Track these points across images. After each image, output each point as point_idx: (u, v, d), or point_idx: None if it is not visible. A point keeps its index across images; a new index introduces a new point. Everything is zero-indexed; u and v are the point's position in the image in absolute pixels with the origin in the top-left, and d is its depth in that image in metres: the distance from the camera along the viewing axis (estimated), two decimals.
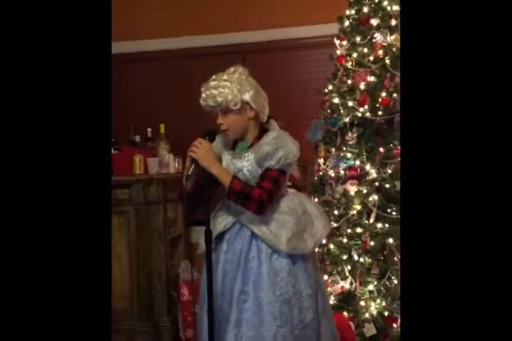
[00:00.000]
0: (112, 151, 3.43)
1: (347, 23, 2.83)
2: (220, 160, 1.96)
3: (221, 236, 1.95)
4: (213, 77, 1.95)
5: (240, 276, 1.87)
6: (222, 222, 1.95)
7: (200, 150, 1.87)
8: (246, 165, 1.92)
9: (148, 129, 3.56)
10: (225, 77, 1.92)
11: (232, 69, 1.98)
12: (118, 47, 4.21)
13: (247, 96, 1.90)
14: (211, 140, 1.92)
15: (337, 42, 2.85)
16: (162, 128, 3.42)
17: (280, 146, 1.87)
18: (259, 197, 1.83)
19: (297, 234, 1.86)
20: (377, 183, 2.52)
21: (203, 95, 1.91)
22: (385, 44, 2.65)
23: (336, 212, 2.60)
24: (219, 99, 1.89)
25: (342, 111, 2.70)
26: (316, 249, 2.63)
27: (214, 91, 1.89)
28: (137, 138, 3.55)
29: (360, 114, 2.63)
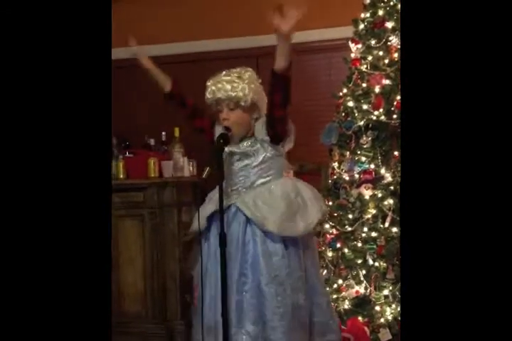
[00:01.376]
0: (127, 154, 3.45)
1: (362, 26, 2.82)
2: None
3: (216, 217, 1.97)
4: (224, 72, 1.97)
5: (238, 259, 1.91)
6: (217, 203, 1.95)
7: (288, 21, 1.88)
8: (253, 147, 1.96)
9: (163, 133, 3.58)
10: (238, 74, 1.95)
11: (242, 68, 1.99)
12: (131, 51, 4.24)
13: (256, 97, 1.93)
14: (225, 143, 1.93)
15: (352, 45, 2.84)
16: (177, 131, 3.43)
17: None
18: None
19: (287, 217, 1.89)
20: (392, 187, 2.50)
21: (213, 88, 1.92)
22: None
23: (350, 216, 2.59)
24: (232, 94, 1.90)
25: (356, 115, 2.68)
26: (330, 253, 2.63)
27: (227, 86, 1.90)
28: (152, 141, 3.56)
29: (374, 117, 2.62)
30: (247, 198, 1.93)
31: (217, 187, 1.93)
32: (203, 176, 1.89)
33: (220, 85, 1.91)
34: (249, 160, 1.97)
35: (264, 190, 1.94)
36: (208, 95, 1.95)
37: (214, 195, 2.00)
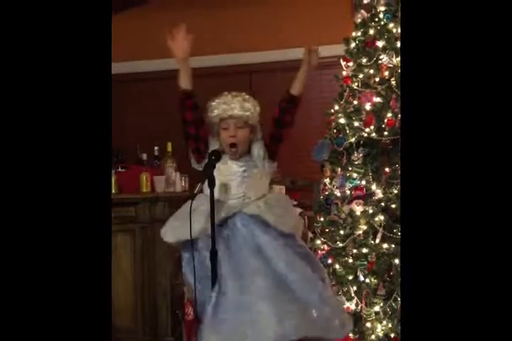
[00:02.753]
0: (119, 169, 3.45)
1: (353, 44, 2.86)
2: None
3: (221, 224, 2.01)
4: (228, 93, 2.10)
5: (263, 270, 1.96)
6: (221, 211, 2.01)
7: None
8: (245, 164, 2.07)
9: (156, 147, 3.59)
10: (244, 96, 2.10)
11: (243, 92, 2.13)
12: (125, 66, 4.27)
13: (255, 115, 2.09)
14: (217, 160, 2.00)
15: (343, 63, 2.89)
16: (169, 146, 3.45)
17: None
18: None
19: (295, 219, 2.15)
20: (383, 203, 2.52)
21: (224, 106, 2.05)
22: (391, 65, 2.68)
23: (341, 232, 2.60)
24: (246, 113, 2.04)
25: (348, 131, 2.72)
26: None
27: (240, 105, 2.05)
28: (144, 156, 3.57)
29: (365, 134, 2.65)
30: (255, 205, 2.04)
31: (199, 198, 1.98)
32: (195, 191, 1.92)
33: (233, 105, 2.05)
34: (247, 175, 2.06)
35: (266, 199, 2.08)
36: (216, 113, 2.06)
37: (200, 206, 2.01)
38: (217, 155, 2.00)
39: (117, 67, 4.25)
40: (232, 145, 2.04)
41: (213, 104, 2.08)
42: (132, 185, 3.31)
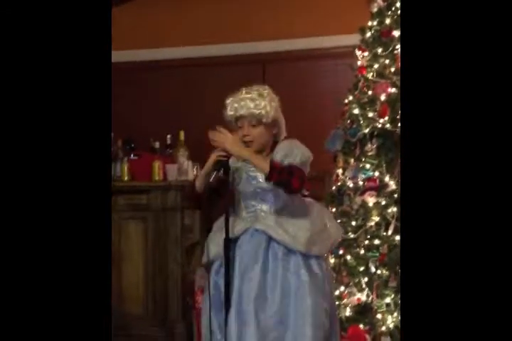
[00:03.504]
0: (132, 157, 3.46)
1: (369, 34, 2.83)
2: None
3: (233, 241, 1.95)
4: (244, 90, 2.02)
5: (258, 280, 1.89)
6: (234, 227, 1.94)
7: (227, 138, 1.92)
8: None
9: (168, 136, 3.59)
10: (260, 91, 2.00)
11: (260, 86, 2.04)
12: (139, 55, 4.27)
13: (276, 114, 2.00)
14: (226, 171, 1.93)
15: (358, 53, 2.86)
16: (181, 135, 3.45)
17: (295, 146, 1.97)
18: (300, 172, 1.89)
19: (313, 236, 1.91)
20: (396, 195, 2.51)
21: (235, 105, 1.97)
22: None
23: (353, 223, 2.59)
24: (256, 111, 1.96)
25: (362, 122, 2.69)
26: (332, 260, 2.64)
27: (250, 103, 1.96)
28: (157, 144, 3.58)
29: (380, 125, 2.63)
30: (268, 221, 1.93)
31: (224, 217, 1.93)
32: (210, 180, 1.91)
33: (243, 103, 1.97)
34: (260, 184, 1.95)
35: (286, 212, 1.94)
36: (230, 112, 2.00)
37: (222, 224, 1.96)
38: (226, 166, 1.92)
39: (130, 55, 4.26)
40: (247, 143, 1.97)
41: (228, 102, 2.02)
42: (144, 173, 3.32)
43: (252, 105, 1.96)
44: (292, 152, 1.94)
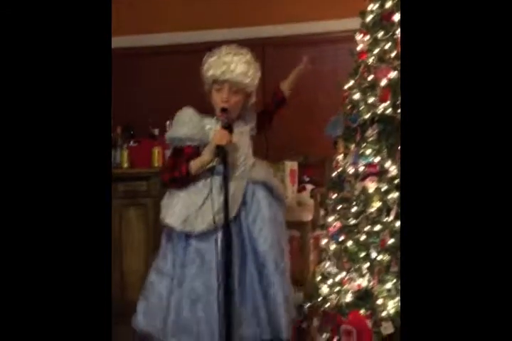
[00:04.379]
0: (131, 144, 3.46)
1: (369, 17, 2.79)
2: None
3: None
4: (225, 49, 1.86)
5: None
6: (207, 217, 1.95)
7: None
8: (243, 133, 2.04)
9: (167, 122, 3.57)
10: (248, 58, 1.89)
11: (240, 48, 1.91)
12: (136, 40, 4.23)
13: (255, 82, 1.91)
14: (224, 157, 1.90)
15: (359, 37, 2.82)
16: None
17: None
18: None
19: None
20: (397, 181, 2.49)
21: (223, 67, 1.81)
22: None
23: (354, 209, 2.59)
24: (244, 80, 1.84)
25: (362, 108, 2.67)
26: (333, 246, 2.64)
27: (238, 69, 1.81)
28: (156, 131, 3.56)
29: (381, 111, 2.61)
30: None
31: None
32: (214, 164, 1.93)
33: (232, 66, 1.81)
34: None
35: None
36: (211, 72, 1.84)
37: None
38: (223, 153, 1.90)
39: (129, 41, 4.22)
40: (223, 110, 1.86)
41: (211, 60, 1.85)
42: (144, 159, 3.32)
43: (239, 71, 1.81)
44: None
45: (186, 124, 1.96)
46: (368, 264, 2.46)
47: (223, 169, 1.88)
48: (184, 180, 2.00)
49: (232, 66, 1.82)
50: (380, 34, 2.72)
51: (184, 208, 2.01)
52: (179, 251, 1.96)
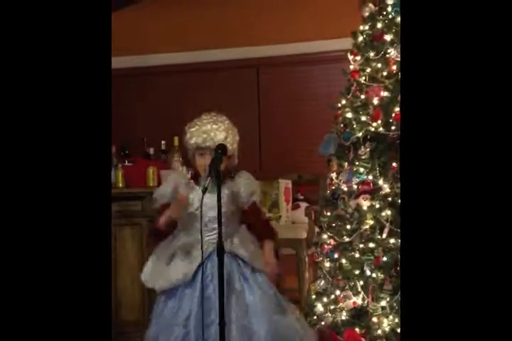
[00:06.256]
0: (126, 163, 3.46)
1: (361, 38, 2.84)
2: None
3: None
4: (205, 118, 2.08)
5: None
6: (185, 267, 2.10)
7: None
8: (224, 197, 2.04)
9: (162, 142, 3.60)
10: (226, 125, 2.08)
11: (218, 116, 2.12)
12: (133, 61, 4.28)
13: (234, 146, 2.11)
14: (224, 154, 1.99)
15: (350, 57, 2.87)
16: (176, 140, 3.45)
17: (257, 184, 2.22)
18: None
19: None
20: (390, 198, 2.51)
21: (204, 136, 2.03)
22: (399, 59, 2.66)
23: (348, 227, 2.60)
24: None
25: (355, 126, 2.70)
26: (328, 264, 2.64)
27: (217, 137, 2.04)
28: (151, 150, 3.58)
29: (373, 129, 2.64)
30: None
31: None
32: (205, 186, 1.94)
33: (212, 134, 2.04)
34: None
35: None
36: (193, 141, 2.07)
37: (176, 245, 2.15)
38: (223, 149, 1.99)
39: (125, 61, 4.27)
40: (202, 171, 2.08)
41: (192, 130, 2.07)
42: (139, 179, 3.32)
43: (219, 138, 2.03)
44: (256, 190, 2.18)
45: (167, 183, 2.27)
46: (362, 282, 2.46)
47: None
48: (159, 234, 2.20)
49: (212, 134, 2.04)
50: (372, 54, 2.76)
51: (152, 264, 2.24)
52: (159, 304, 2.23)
